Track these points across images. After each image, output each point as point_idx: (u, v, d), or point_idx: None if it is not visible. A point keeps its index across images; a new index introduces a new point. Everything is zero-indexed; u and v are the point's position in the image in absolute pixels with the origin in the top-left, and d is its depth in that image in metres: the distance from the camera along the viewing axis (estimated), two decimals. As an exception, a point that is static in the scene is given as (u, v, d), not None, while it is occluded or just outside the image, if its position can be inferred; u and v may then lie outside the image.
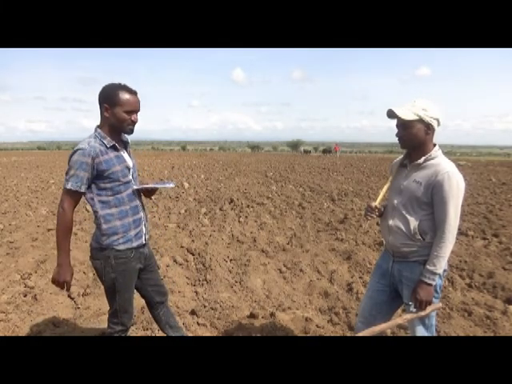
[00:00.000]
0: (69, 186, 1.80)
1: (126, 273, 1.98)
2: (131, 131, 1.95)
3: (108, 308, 2.10)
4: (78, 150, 1.81)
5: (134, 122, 1.92)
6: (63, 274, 1.89)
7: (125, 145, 2.04)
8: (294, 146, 60.46)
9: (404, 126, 1.82)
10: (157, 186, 2.08)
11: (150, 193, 2.14)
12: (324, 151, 41.80)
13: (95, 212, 1.92)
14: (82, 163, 1.78)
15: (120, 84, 1.87)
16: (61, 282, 1.90)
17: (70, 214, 1.86)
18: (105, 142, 1.87)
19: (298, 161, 26.56)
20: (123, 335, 2.10)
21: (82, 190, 1.82)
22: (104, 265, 1.94)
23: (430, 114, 1.76)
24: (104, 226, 1.91)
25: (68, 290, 1.97)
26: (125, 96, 1.85)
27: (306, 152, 42.66)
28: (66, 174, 1.82)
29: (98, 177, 1.85)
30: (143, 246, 2.07)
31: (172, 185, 2.11)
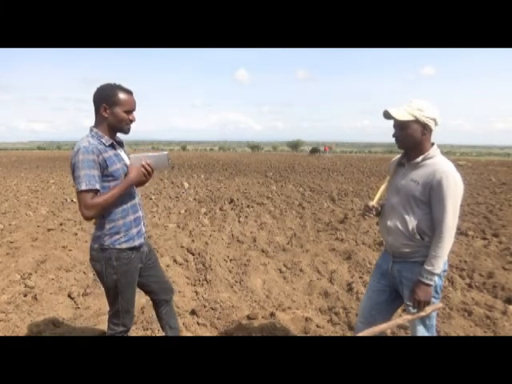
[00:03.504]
0: (83, 187, 1.73)
1: (128, 274, 1.97)
2: (129, 130, 1.96)
3: (107, 308, 2.10)
4: (80, 149, 1.76)
5: (131, 121, 1.94)
6: (137, 174, 1.86)
7: (120, 144, 2.04)
8: (294, 146, 60.42)
9: (400, 127, 1.82)
10: (154, 155, 1.97)
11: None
12: (313, 150, 41.53)
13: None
14: (89, 161, 1.75)
15: (116, 84, 1.88)
16: (145, 173, 1.88)
17: (97, 202, 1.76)
18: (103, 140, 1.86)
19: (298, 161, 26.55)
20: (125, 335, 2.11)
21: (97, 187, 1.76)
22: (105, 266, 1.92)
23: (426, 114, 1.76)
24: (107, 226, 1.89)
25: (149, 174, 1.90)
26: (124, 96, 1.86)
27: (311, 152, 42.41)
28: (77, 176, 1.75)
29: (102, 174, 1.83)
30: (143, 244, 2.07)
31: (165, 152, 2.04)
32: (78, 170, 1.75)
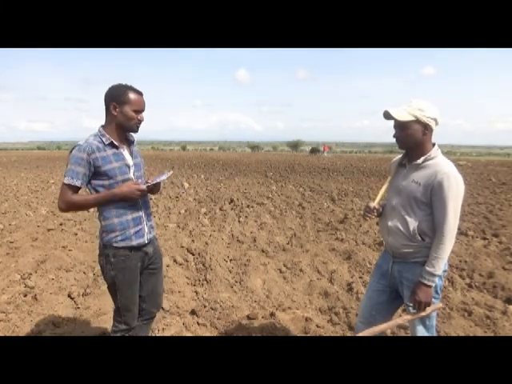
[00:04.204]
0: (65, 180, 1.85)
1: (125, 271, 1.99)
2: (137, 129, 2.01)
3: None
4: (75, 146, 1.88)
5: (140, 121, 1.99)
6: (128, 192, 1.89)
7: (129, 144, 2.07)
8: (294, 146, 60.47)
9: (401, 127, 1.81)
10: (159, 179, 2.06)
11: (155, 189, 2.10)
12: (313, 150, 41.46)
13: (97, 208, 1.98)
14: (77, 158, 1.84)
15: (127, 84, 1.94)
16: (136, 193, 1.91)
17: (72, 199, 1.88)
18: (103, 139, 1.92)
19: (298, 161, 26.56)
20: (126, 335, 2.09)
21: (78, 184, 1.86)
22: (105, 262, 1.98)
23: (426, 114, 1.75)
24: (103, 223, 1.96)
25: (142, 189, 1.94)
26: (133, 95, 1.92)
27: (311, 152, 42.22)
28: (66, 169, 1.89)
29: (95, 173, 1.89)
30: (145, 245, 2.07)
31: (170, 173, 2.16)
32: (67, 165, 1.89)
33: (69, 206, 1.91)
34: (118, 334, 2.07)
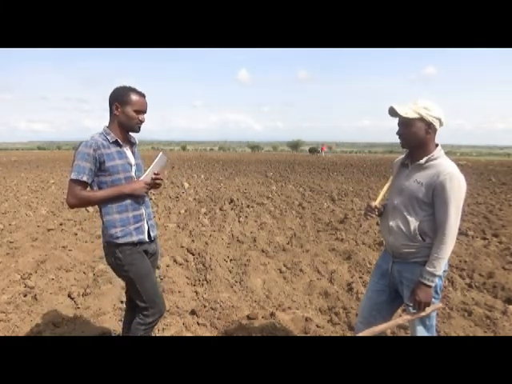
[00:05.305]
0: (72, 176, 1.89)
1: (135, 263, 2.01)
2: (139, 129, 2.06)
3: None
4: (82, 142, 1.93)
5: (141, 121, 2.04)
6: (136, 186, 1.97)
7: (131, 144, 2.13)
8: (294, 146, 60.52)
9: (405, 124, 1.82)
10: (154, 165, 2.04)
11: (158, 181, 2.07)
12: (311, 150, 41.35)
13: (99, 206, 2.01)
14: (84, 154, 1.89)
15: (130, 86, 2.01)
16: (143, 185, 1.98)
17: (81, 194, 1.90)
18: (108, 137, 1.98)
19: (298, 160, 26.56)
20: (148, 329, 2.11)
21: (84, 179, 1.89)
22: (114, 259, 2.00)
23: (431, 113, 1.76)
24: (104, 219, 1.99)
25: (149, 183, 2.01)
26: (135, 97, 1.98)
27: (310, 152, 42.05)
28: (72, 165, 1.92)
29: (99, 169, 1.94)
30: (146, 242, 2.09)
31: (161, 154, 2.09)
32: (74, 161, 1.92)
33: (78, 201, 1.93)
34: (142, 328, 2.08)
